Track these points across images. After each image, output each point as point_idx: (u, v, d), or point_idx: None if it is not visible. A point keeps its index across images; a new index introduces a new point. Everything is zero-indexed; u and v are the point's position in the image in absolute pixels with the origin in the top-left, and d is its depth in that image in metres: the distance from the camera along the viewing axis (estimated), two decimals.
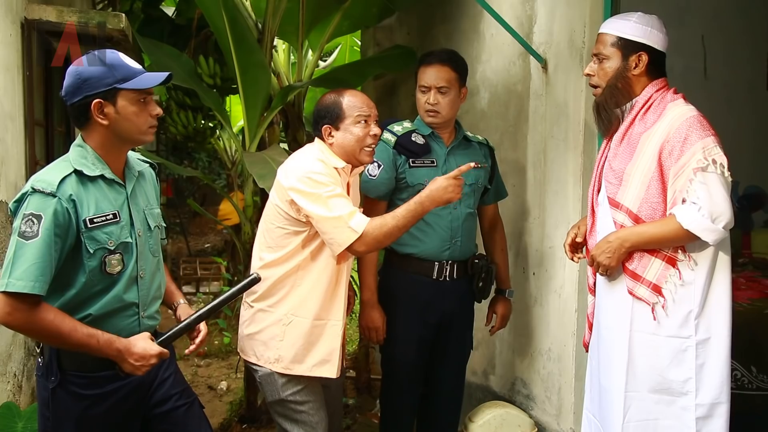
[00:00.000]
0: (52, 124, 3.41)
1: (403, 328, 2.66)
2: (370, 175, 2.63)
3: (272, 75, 3.79)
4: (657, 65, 2.12)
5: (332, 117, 2.33)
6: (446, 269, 2.66)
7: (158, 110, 1.92)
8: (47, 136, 3.36)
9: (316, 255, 2.31)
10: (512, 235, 3.18)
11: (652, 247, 2.06)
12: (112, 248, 1.84)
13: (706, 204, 1.95)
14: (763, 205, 3.71)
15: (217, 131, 6.30)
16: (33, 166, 2.96)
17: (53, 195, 1.75)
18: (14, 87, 2.81)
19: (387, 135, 2.65)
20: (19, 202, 1.78)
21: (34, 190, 1.76)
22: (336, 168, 2.30)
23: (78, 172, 1.82)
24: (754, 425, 2.68)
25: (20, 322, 1.73)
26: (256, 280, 2.06)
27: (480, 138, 2.82)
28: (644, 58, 2.09)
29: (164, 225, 2.07)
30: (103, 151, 1.88)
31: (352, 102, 2.34)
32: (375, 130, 2.34)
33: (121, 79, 1.83)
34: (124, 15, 3.18)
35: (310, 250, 2.30)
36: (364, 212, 2.59)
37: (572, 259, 2.34)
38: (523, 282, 3.14)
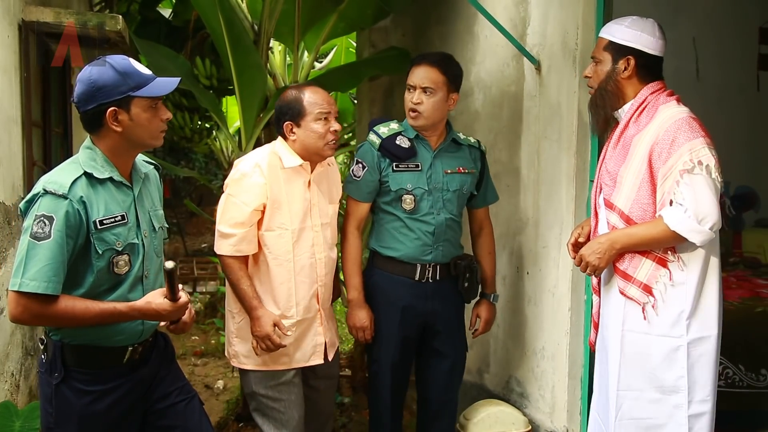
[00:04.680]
0: (49, 125, 3.42)
1: (386, 328, 2.66)
2: (355, 176, 2.64)
3: (268, 76, 3.81)
4: (649, 69, 2.15)
5: (293, 114, 2.42)
6: (428, 271, 2.65)
7: (168, 114, 1.95)
8: (45, 137, 3.37)
9: (257, 256, 2.44)
10: (506, 235, 3.21)
11: (641, 249, 2.09)
12: (120, 249, 1.88)
13: (691, 206, 1.98)
14: (753, 205, 3.75)
15: (214, 132, 6.30)
16: (30, 167, 2.98)
17: (65, 197, 1.78)
18: (12, 88, 2.82)
19: (372, 137, 2.66)
20: (30, 202, 1.81)
21: (46, 192, 1.79)
22: (288, 168, 2.42)
23: (88, 175, 1.85)
24: (744, 422, 2.71)
25: (32, 320, 1.80)
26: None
27: (472, 140, 2.78)
28: (632, 62, 2.12)
29: (166, 226, 2.11)
30: (112, 155, 1.91)
31: (313, 99, 2.41)
32: (335, 126, 2.43)
33: (134, 86, 1.86)
34: (120, 17, 3.20)
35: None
36: (348, 212, 2.68)
37: (574, 258, 2.37)
38: (517, 281, 3.17)
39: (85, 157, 1.89)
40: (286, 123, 2.43)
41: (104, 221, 1.85)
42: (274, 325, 2.39)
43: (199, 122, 5.05)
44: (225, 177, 2.56)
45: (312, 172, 2.50)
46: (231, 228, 2.39)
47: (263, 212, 2.41)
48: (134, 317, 1.86)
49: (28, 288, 1.73)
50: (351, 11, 3.84)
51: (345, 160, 8.20)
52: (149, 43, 3.88)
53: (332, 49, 6.06)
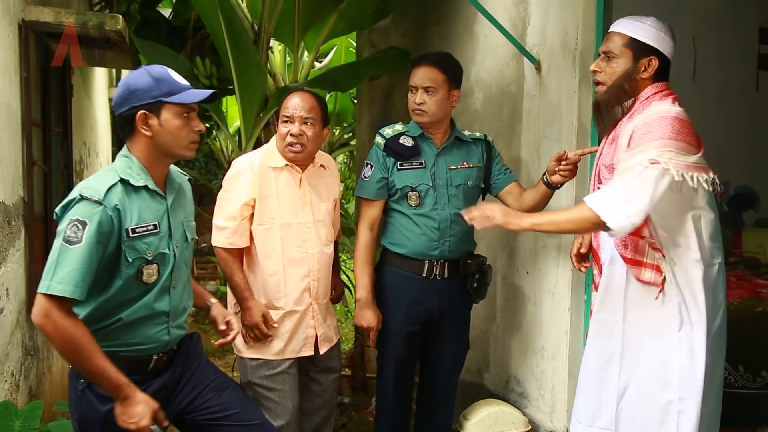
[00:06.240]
0: (49, 124, 3.42)
1: (392, 323, 2.70)
2: (364, 177, 2.71)
3: (268, 76, 3.82)
4: (665, 71, 2.11)
5: (276, 116, 2.61)
6: (436, 268, 2.68)
7: (201, 126, 1.99)
8: (44, 137, 3.37)
9: (250, 249, 2.55)
10: (506, 234, 3.21)
11: (554, 227, 2.11)
12: (150, 258, 1.90)
13: (622, 190, 1.95)
14: (753, 205, 3.75)
15: (214, 132, 6.32)
16: (30, 167, 2.97)
17: (100, 203, 1.81)
18: (12, 88, 2.82)
19: (377, 138, 2.72)
20: (66, 207, 1.83)
21: (82, 197, 1.81)
22: (275, 167, 2.53)
23: (124, 182, 1.88)
24: (739, 422, 2.71)
25: (51, 327, 1.77)
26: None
27: (477, 134, 2.81)
28: (654, 63, 2.07)
29: (196, 238, 2.13)
30: (147, 163, 1.94)
31: (285, 103, 2.56)
32: (293, 129, 2.50)
33: (166, 92, 1.90)
34: (120, 17, 3.19)
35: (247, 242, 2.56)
36: (359, 213, 2.70)
37: (579, 269, 2.37)
38: (517, 281, 3.17)
39: (122, 164, 1.92)
40: (275, 124, 2.60)
41: (136, 229, 1.87)
42: (263, 315, 2.49)
43: None
44: (225, 176, 2.60)
45: (304, 171, 2.58)
46: (225, 221, 2.51)
47: (254, 207, 2.52)
48: (115, 394, 1.84)
49: (55, 291, 1.74)
50: (351, 11, 3.85)
51: (345, 160, 8.22)
52: (149, 43, 3.88)
53: (332, 49, 6.06)
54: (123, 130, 1.94)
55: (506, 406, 2.99)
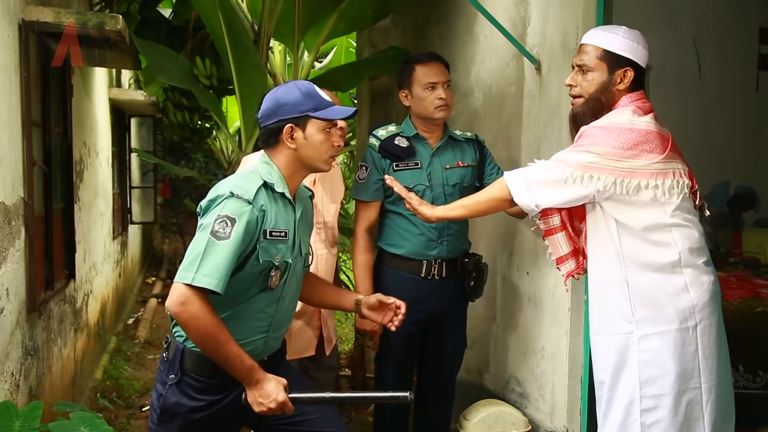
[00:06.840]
0: (49, 125, 3.42)
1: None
2: (360, 179, 2.71)
3: (268, 76, 3.82)
4: (640, 81, 2.09)
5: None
6: (434, 267, 2.69)
7: (340, 141, 2.06)
8: (45, 137, 3.37)
9: None
10: (506, 234, 3.21)
11: (465, 210, 2.20)
12: (277, 264, 1.93)
13: (530, 170, 2.05)
14: (753, 205, 3.74)
15: (214, 132, 6.33)
16: (30, 167, 2.97)
17: (249, 202, 1.85)
18: (12, 88, 2.82)
19: (372, 140, 2.73)
20: (213, 202, 1.87)
21: (233, 195, 1.85)
22: None
23: (267, 185, 1.92)
24: (739, 423, 2.71)
25: (188, 315, 1.79)
26: (405, 398, 1.94)
27: (469, 134, 2.83)
28: (629, 74, 2.05)
29: (310, 254, 2.15)
30: (287, 173, 1.99)
31: None
32: (342, 123, 2.48)
33: (313, 108, 1.95)
34: (120, 16, 3.19)
35: None
36: (357, 215, 2.74)
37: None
38: (517, 281, 3.17)
39: (264, 170, 1.97)
40: None
41: (272, 233, 1.91)
42: None
43: (199, 122, 5.06)
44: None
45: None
46: None
47: None
48: (247, 379, 1.87)
49: (200, 283, 1.76)
50: (351, 11, 3.85)
51: (345, 160, 8.22)
52: (149, 43, 3.89)
53: (332, 49, 6.07)
54: (266, 141, 2.00)
55: (506, 407, 2.99)
